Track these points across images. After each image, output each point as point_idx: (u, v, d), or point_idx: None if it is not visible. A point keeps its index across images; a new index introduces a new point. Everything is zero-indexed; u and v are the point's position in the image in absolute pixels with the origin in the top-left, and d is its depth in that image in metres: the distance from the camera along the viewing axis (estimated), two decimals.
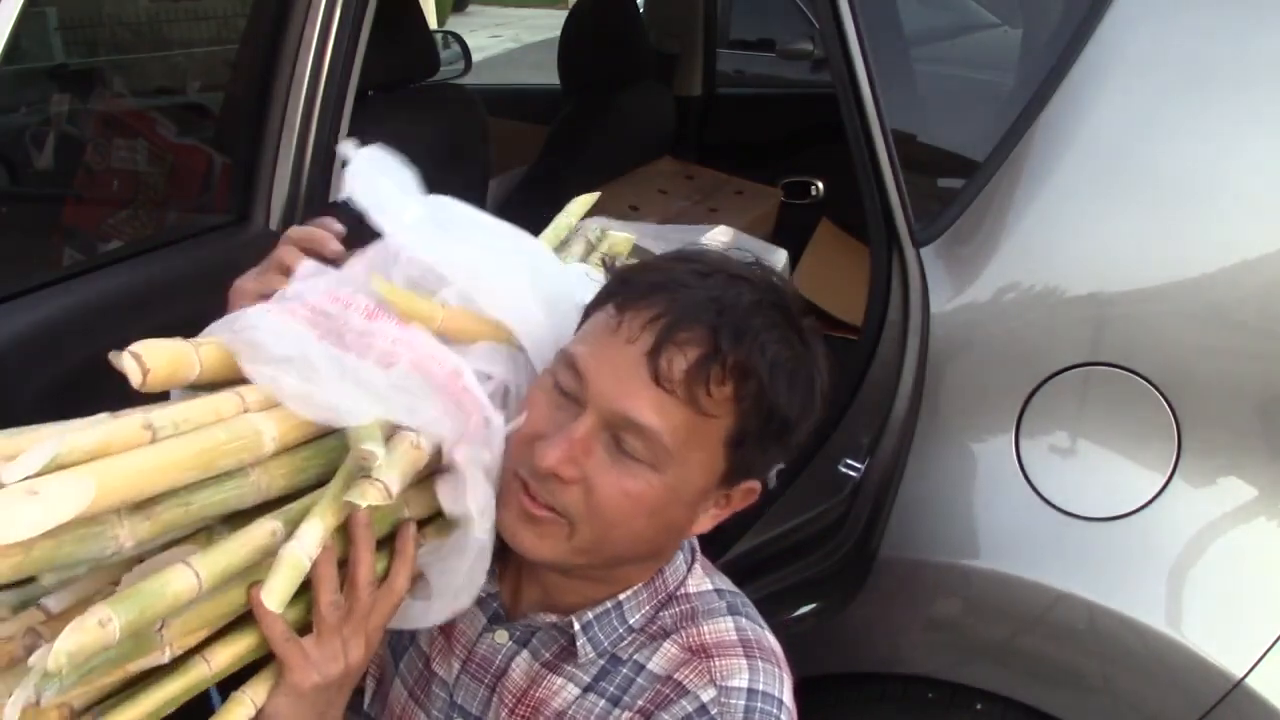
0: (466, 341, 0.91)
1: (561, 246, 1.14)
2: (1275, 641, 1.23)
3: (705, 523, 0.90)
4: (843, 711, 1.50)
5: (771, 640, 0.91)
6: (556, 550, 0.85)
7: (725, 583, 0.97)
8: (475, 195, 2.44)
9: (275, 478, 0.81)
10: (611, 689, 0.89)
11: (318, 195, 1.55)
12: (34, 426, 0.75)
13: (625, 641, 0.91)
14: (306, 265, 0.94)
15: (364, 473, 0.78)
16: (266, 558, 0.78)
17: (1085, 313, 1.32)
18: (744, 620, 0.91)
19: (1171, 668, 1.27)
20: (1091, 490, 1.33)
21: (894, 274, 1.38)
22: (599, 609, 0.91)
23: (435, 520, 0.90)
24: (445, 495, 0.86)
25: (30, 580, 0.72)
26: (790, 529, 1.48)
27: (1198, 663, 1.25)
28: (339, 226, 0.97)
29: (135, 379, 0.76)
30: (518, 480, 0.85)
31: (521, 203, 2.78)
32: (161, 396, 0.83)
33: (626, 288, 0.85)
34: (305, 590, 0.82)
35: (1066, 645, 1.34)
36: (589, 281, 1.00)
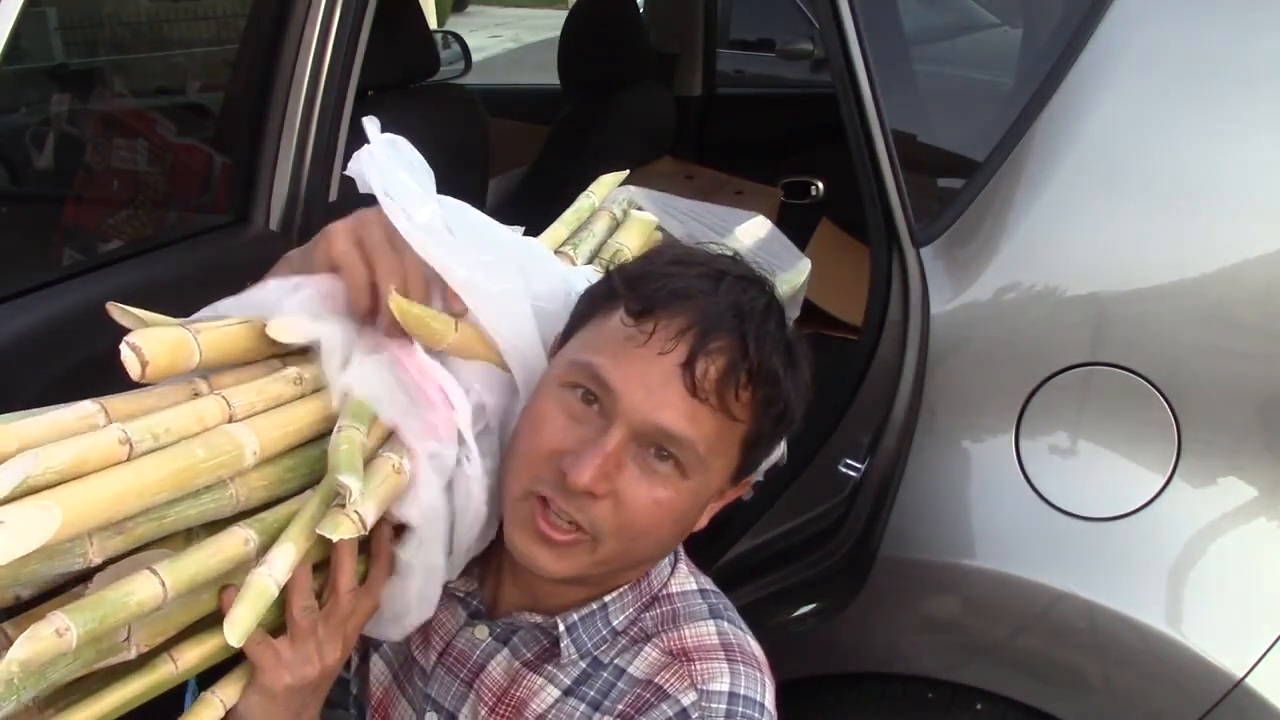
0: (469, 359, 0.91)
1: (583, 226, 1.13)
2: (1275, 641, 1.23)
3: (705, 518, 0.90)
4: (843, 711, 1.50)
5: (754, 645, 0.90)
6: (578, 565, 0.85)
7: (708, 584, 0.96)
8: (475, 195, 2.44)
9: (255, 489, 0.80)
10: (592, 693, 0.88)
11: (318, 195, 1.55)
12: (18, 414, 0.73)
13: (608, 644, 0.90)
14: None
15: (339, 502, 0.77)
16: (237, 567, 0.77)
17: (1085, 313, 1.31)
18: (726, 624, 0.91)
19: (1171, 668, 1.27)
20: (1091, 490, 1.33)
21: (894, 274, 1.38)
22: (584, 610, 0.90)
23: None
24: (398, 501, 0.85)
25: None
26: (790, 529, 1.48)
27: (1198, 663, 1.25)
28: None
29: (134, 371, 0.75)
30: (533, 499, 0.84)
31: (521, 203, 2.78)
32: None
33: (638, 294, 0.84)
34: (280, 592, 0.82)
35: (1066, 645, 1.34)
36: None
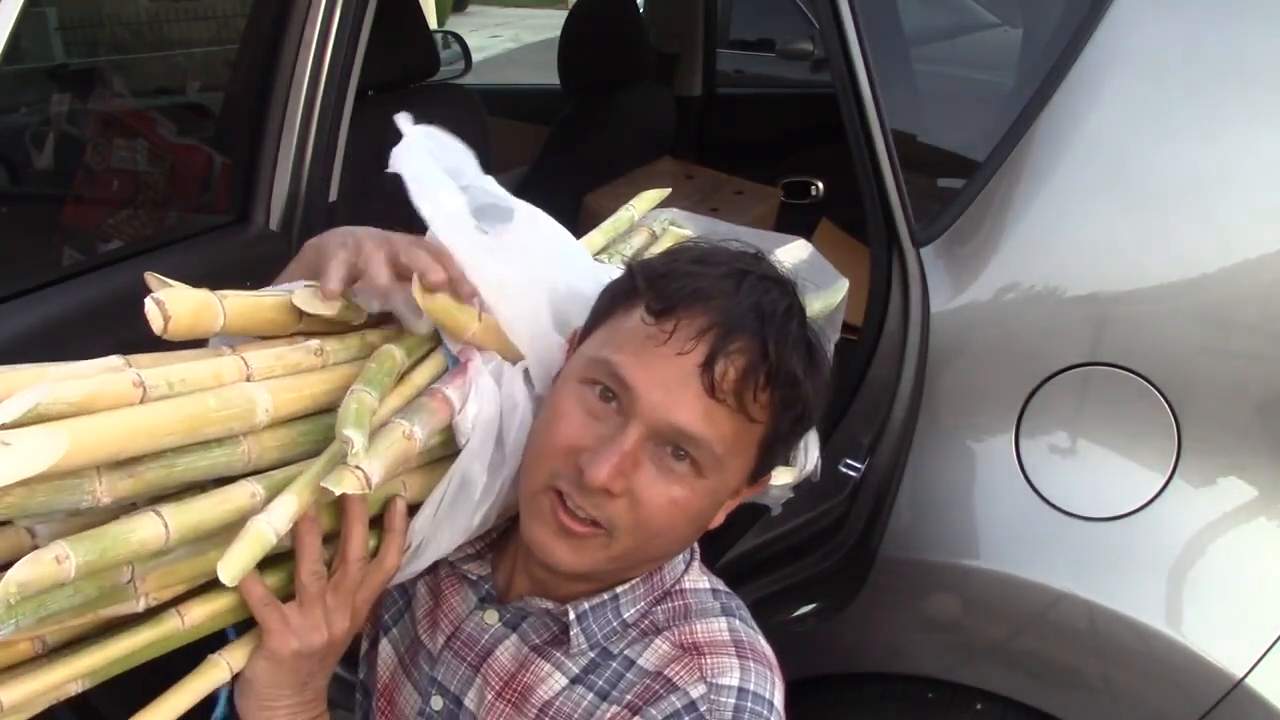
0: (490, 350, 0.92)
1: (620, 239, 1.13)
2: (1275, 641, 1.23)
3: (720, 516, 0.91)
4: (843, 711, 1.50)
5: (765, 645, 0.90)
6: (594, 560, 0.85)
7: (720, 584, 0.97)
8: None
9: (267, 449, 0.80)
10: (600, 683, 0.89)
11: (318, 195, 1.55)
12: (34, 365, 0.74)
13: (618, 635, 0.91)
14: None
15: (346, 460, 0.78)
16: (243, 519, 0.77)
17: (1085, 313, 1.32)
18: (738, 622, 0.91)
19: (1171, 668, 1.27)
20: (1091, 490, 1.33)
21: (894, 274, 1.38)
22: (595, 600, 0.90)
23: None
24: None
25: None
26: (790, 529, 1.48)
27: (1198, 663, 1.25)
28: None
29: (157, 325, 0.76)
30: (552, 494, 0.84)
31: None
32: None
33: (660, 293, 0.84)
34: (290, 558, 0.83)
35: (1066, 645, 1.34)
36: None
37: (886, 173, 1.33)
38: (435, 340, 0.92)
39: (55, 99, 1.83)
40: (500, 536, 0.99)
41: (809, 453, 1.09)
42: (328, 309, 0.86)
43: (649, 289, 0.85)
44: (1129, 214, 1.31)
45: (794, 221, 2.91)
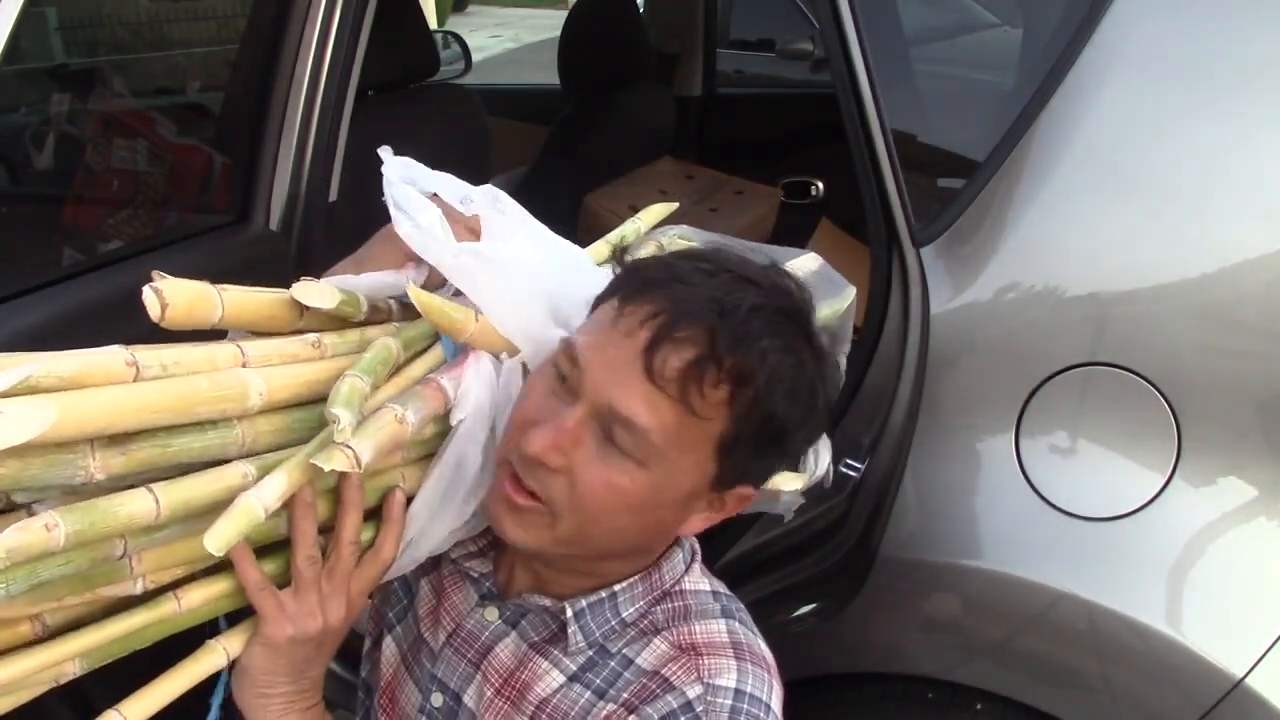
0: (489, 349, 0.92)
1: (626, 250, 1.14)
2: (1275, 641, 1.23)
3: (696, 524, 0.89)
4: (843, 711, 1.50)
5: (764, 648, 0.90)
6: (539, 539, 0.85)
7: (721, 587, 0.96)
8: None
9: (262, 433, 0.81)
10: (598, 681, 0.89)
11: (318, 195, 1.55)
12: (30, 354, 0.74)
13: (616, 634, 0.91)
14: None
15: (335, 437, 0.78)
16: (234, 498, 0.77)
17: (1085, 313, 1.32)
18: (737, 625, 0.91)
19: (1171, 668, 1.27)
20: (1091, 490, 1.33)
21: (894, 274, 1.38)
22: (593, 598, 0.90)
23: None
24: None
25: None
26: (790, 529, 1.48)
27: (1198, 663, 1.25)
28: None
29: (154, 312, 0.76)
30: (506, 466, 0.85)
31: (522, 203, 2.77)
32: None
33: (631, 278, 0.85)
34: (287, 546, 0.83)
35: (1066, 645, 1.34)
36: None
37: (886, 173, 1.33)
38: (434, 336, 0.93)
39: (55, 99, 1.82)
40: None
41: (819, 457, 1.07)
42: (325, 302, 0.86)
43: (624, 275, 0.86)
44: (1129, 214, 1.31)
45: (794, 221, 2.91)
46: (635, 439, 0.80)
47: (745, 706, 0.83)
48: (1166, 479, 1.29)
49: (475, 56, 3.50)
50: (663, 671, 0.86)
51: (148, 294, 0.76)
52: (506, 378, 0.92)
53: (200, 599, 0.80)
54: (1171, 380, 1.28)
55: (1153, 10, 1.35)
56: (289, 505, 0.81)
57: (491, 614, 0.95)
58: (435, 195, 0.96)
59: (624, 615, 0.91)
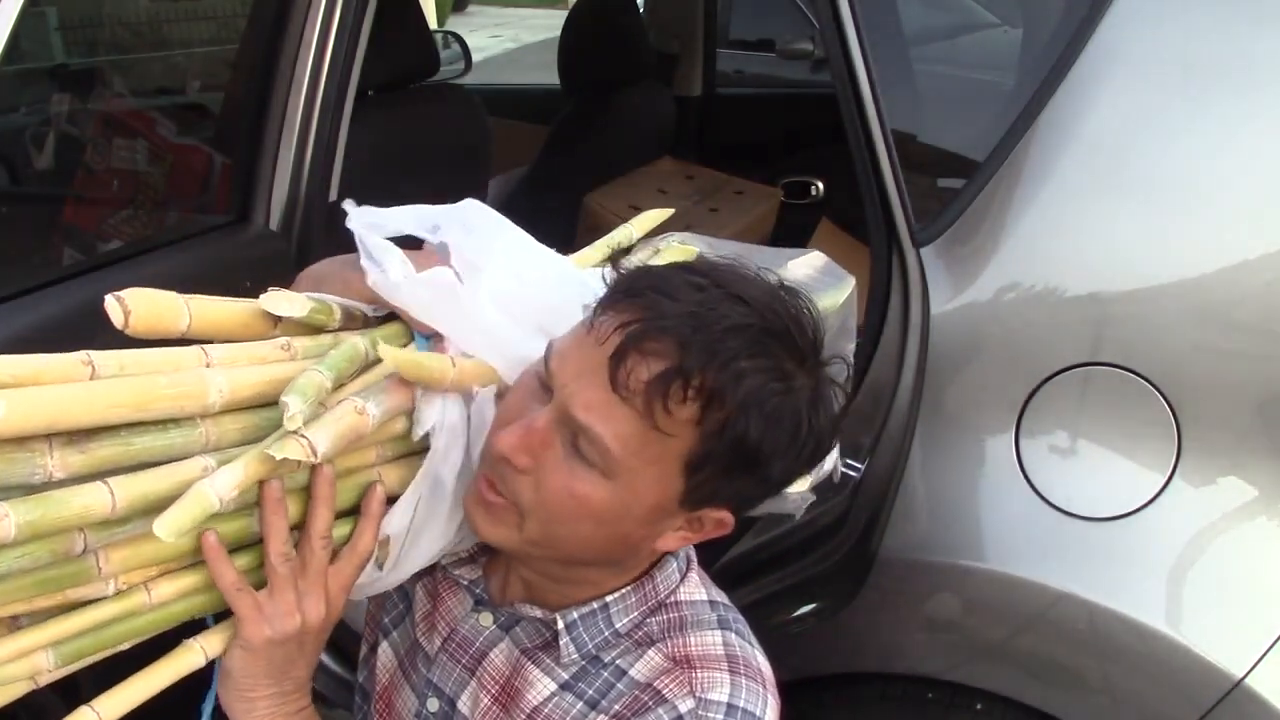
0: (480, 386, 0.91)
1: (622, 254, 1.13)
2: (1275, 641, 1.23)
3: (671, 542, 0.86)
4: (843, 711, 1.50)
5: (761, 660, 0.88)
6: (508, 537, 0.84)
7: (720, 596, 0.94)
8: (475, 195, 2.43)
9: (227, 432, 0.80)
10: (590, 691, 0.88)
11: (318, 195, 1.55)
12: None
13: (609, 644, 0.90)
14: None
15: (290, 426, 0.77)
16: None
17: (1085, 313, 1.32)
18: (733, 636, 0.89)
19: (1171, 668, 1.27)
20: (1091, 490, 1.33)
21: (894, 274, 1.38)
22: (585, 609, 0.90)
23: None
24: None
25: None
26: (790, 529, 1.48)
27: (1198, 663, 1.25)
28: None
29: (117, 320, 0.76)
30: (482, 465, 0.85)
31: (522, 203, 2.78)
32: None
33: (617, 288, 0.83)
34: (260, 544, 0.82)
35: (1066, 645, 1.34)
36: None
37: (886, 173, 1.33)
38: (409, 336, 0.92)
39: (55, 99, 1.82)
40: None
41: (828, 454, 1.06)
42: (295, 310, 0.86)
43: (612, 285, 0.84)
44: (1129, 214, 1.31)
45: (794, 221, 2.91)
46: (596, 449, 0.78)
47: None
48: (1166, 479, 1.29)
49: (475, 56, 3.49)
50: (655, 684, 0.85)
51: (110, 302, 0.76)
52: (480, 405, 0.91)
53: (172, 592, 0.79)
54: (1171, 380, 1.28)
55: (1153, 10, 1.35)
56: (260, 502, 0.80)
57: (486, 619, 0.95)
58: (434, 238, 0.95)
59: (617, 626, 0.90)
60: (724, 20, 4.32)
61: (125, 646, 0.80)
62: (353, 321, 0.93)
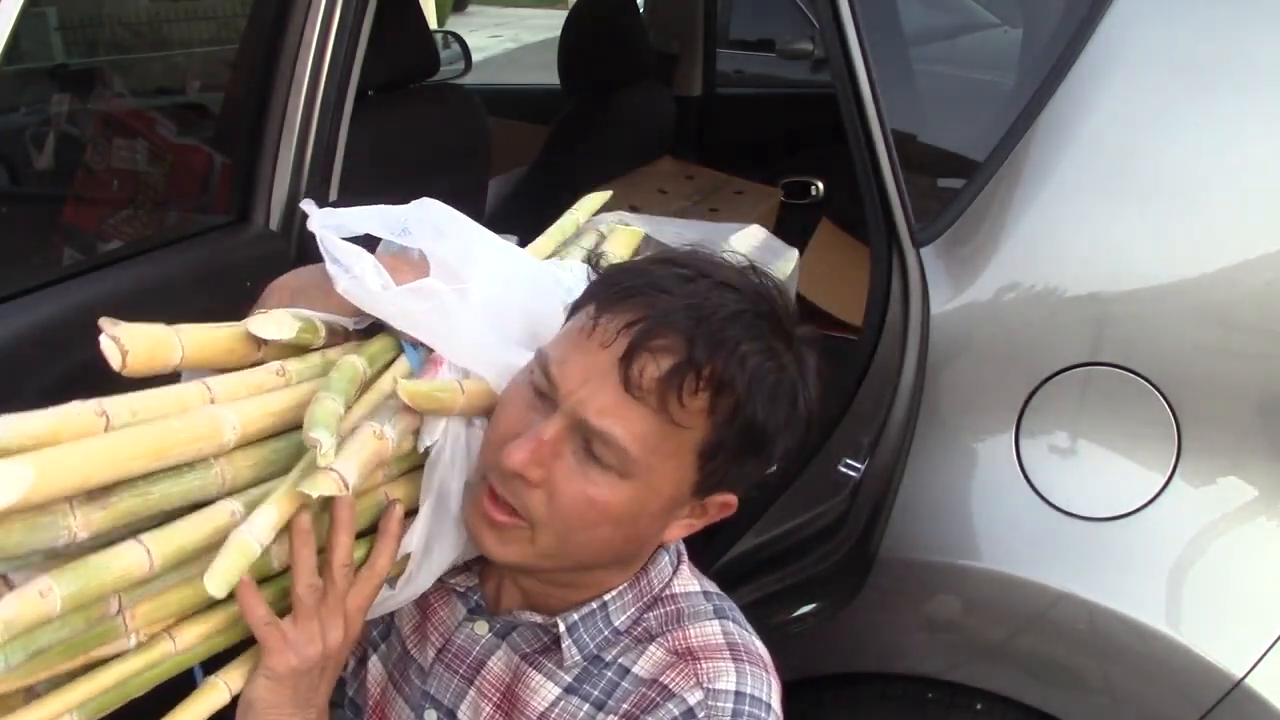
0: (489, 411, 0.90)
1: (569, 241, 1.13)
2: (1275, 641, 1.23)
3: (677, 531, 0.88)
4: (843, 711, 1.50)
5: (759, 646, 0.90)
6: (521, 553, 0.84)
7: (712, 586, 0.95)
8: (475, 195, 2.44)
9: (241, 469, 0.80)
10: (596, 692, 0.88)
11: (318, 195, 1.55)
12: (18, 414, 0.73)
13: (610, 643, 0.90)
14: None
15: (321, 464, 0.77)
16: (226, 538, 0.76)
17: (1085, 313, 1.31)
18: (731, 624, 0.90)
19: (1171, 668, 1.27)
20: (1091, 490, 1.33)
21: (894, 274, 1.38)
22: (584, 610, 0.90)
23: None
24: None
25: None
26: (790, 529, 1.48)
27: (1198, 663, 1.25)
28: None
29: (115, 361, 0.76)
30: (485, 482, 0.84)
31: (522, 203, 2.78)
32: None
33: (607, 289, 0.83)
34: (281, 574, 0.82)
35: (1066, 645, 1.34)
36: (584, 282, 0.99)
37: (886, 173, 1.33)
38: (397, 348, 0.92)
39: (55, 99, 1.83)
40: None
41: None
42: (283, 333, 0.85)
43: (599, 283, 0.85)
44: (1129, 214, 1.31)
45: (794, 221, 2.90)
46: (614, 451, 0.79)
47: (746, 708, 0.83)
48: (1166, 479, 1.29)
49: (475, 56, 3.49)
50: (661, 679, 0.86)
51: (106, 344, 0.75)
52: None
53: (196, 636, 0.78)
54: (1171, 380, 1.28)
55: (1153, 10, 1.35)
56: (288, 533, 0.79)
57: (481, 628, 0.94)
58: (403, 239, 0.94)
59: (616, 624, 0.90)
60: (724, 20, 4.32)
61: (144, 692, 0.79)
62: (335, 337, 0.92)
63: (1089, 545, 1.32)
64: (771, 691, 0.86)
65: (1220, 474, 1.29)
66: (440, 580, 0.96)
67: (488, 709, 0.91)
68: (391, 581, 0.89)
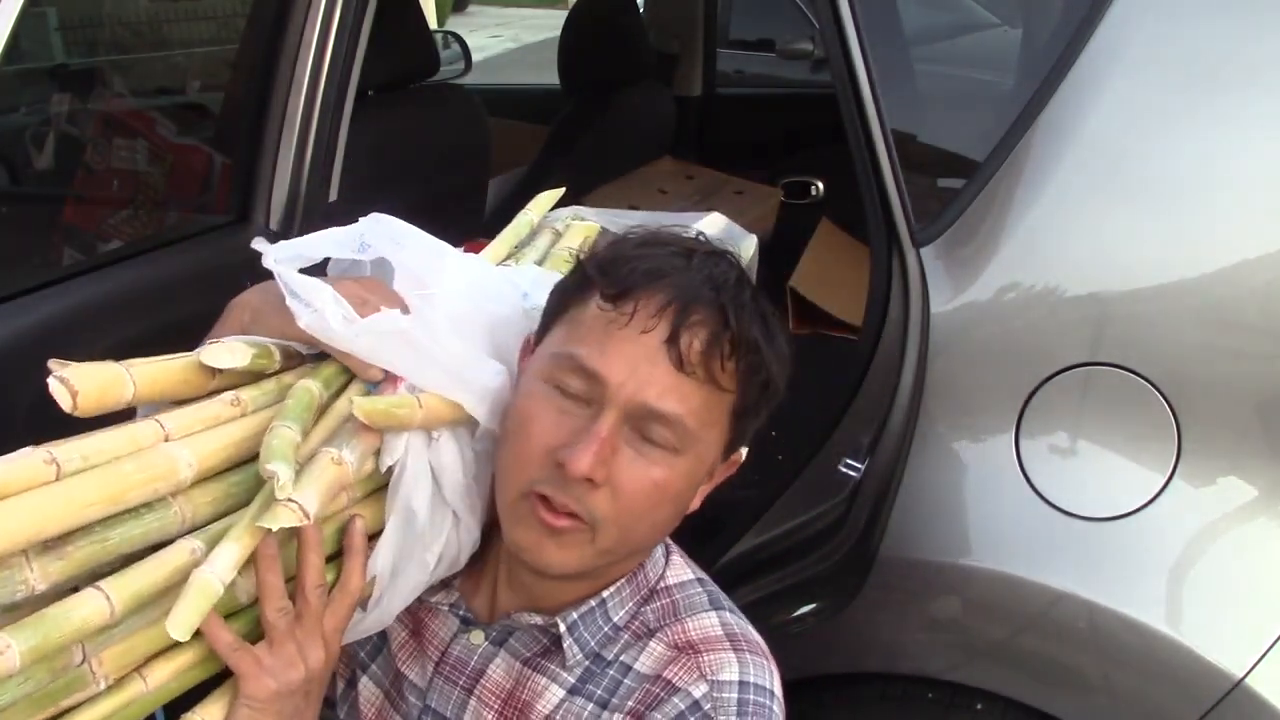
0: (449, 423, 0.90)
1: (524, 243, 1.14)
2: (1275, 641, 1.23)
3: (697, 501, 0.91)
4: (843, 711, 1.50)
5: (755, 633, 0.92)
6: (582, 557, 0.85)
7: (702, 572, 0.97)
8: (475, 195, 2.44)
9: (200, 505, 0.79)
10: (599, 691, 0.88)
11: (318, 195, 1.55)
12: None
13: (610, 640, 0.90)
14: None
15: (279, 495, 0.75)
16: (187, 577, 0.74)
17: (1085, 313, 1.31)
18: (727, 614, 0.92)
19: (1171, 668, 1.27)
20: (1091, 490, 1.33)
21: (894, 274, 1.38)
22: (583, 608, 0.90)
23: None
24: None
25: None
26: (790, 529, 1.48)
27: (1198, 663, 1.25)
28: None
29: (65, 403, 0.74)
30: (531, 498, 0.84)
31: (521, 203, 2.77)
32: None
33: (612, 278, 0.84)
34: (250, 606, 0.81)
35: (1066, 645, 1.34)
36: (545, 288, 0.98)
37: (886, 173, 1.33)
38: (350, 372, 0.91)
39: (55, 99, 1.83)
40: (473, 558, 0.97)
41: None
42: (237, 361, 0.84)
43: (601, 276, 0.85)
44: (1129, 214, 1.31)
45: (794, 221, 2.90)
46: (673, 430, 0.82)
47: (751, 697, 0.85)
48: (1166, 479, 1.29)
49: (475, 56, 3.49)
50: (664, 674, 0.87)
51: (54, 386, 0.74)
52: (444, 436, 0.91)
53: (167, 674, 0.77)
54: (1171, 380, 1.27)
55: (1153, 10, 1.35)
56: (254, 561, 0.79)
57: (477, 637, 0.94)
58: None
59: (615, 620, 0.91)
60: (724, 20, 4.33)
61: None
62: (291, 359, 0.91)
63: (1089, 545, 1.32)
64: (773, 679, 0.88)
65: (1220, 474, 1.29)
66: (420, 600, 0.95)
67: (490, 716, 0.91)
68: (362, 604, 0.88)
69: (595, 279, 0.86)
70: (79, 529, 0.71)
